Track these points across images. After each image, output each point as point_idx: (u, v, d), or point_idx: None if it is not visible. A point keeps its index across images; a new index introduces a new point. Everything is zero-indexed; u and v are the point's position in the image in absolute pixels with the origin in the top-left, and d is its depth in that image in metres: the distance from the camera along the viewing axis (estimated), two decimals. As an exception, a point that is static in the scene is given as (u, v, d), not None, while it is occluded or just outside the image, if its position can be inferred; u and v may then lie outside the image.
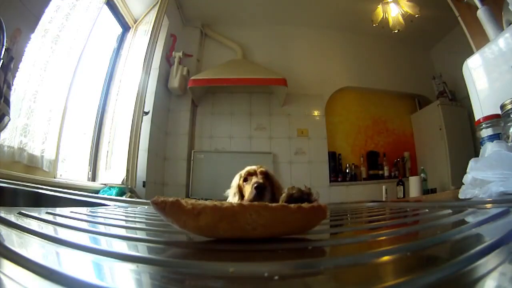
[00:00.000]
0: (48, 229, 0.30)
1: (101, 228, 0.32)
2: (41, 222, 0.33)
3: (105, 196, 1.40)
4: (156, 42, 2.14)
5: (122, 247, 0.24)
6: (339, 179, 2.57)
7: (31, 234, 0.26)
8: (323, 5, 2.49)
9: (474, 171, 0.70)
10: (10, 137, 1.30)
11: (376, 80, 2.77)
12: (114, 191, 1.75)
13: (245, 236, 0.23)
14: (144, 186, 1.99)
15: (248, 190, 0.82)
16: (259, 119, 2.62)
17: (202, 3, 2.53)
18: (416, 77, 2.80)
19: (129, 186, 1.84)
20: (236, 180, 0.91)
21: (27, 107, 1.38)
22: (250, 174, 0.86)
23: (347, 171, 2.60)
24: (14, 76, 1.14)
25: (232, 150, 2.53)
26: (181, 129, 2.49)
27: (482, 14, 1.23)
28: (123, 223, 0.37)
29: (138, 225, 0.38)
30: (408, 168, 2.63)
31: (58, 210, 0.45)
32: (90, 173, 1.96)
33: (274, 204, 0.24)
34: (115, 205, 0.75)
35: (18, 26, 1.16)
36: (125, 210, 0.61)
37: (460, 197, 0.72)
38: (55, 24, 1.50)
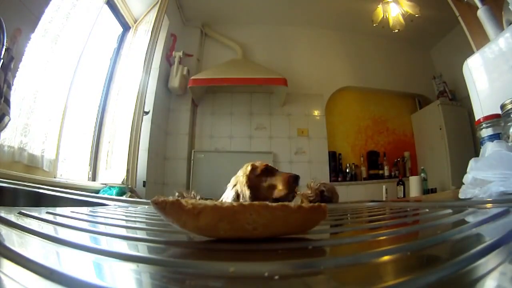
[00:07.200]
0: (49, 229, 0.30)
1: (102, 228, 0.32)
2: (42, 222, 0.33)
3: (105, 196, 1.41)
4: (156, 42, 2.14)
5: (122, 246, 0.24)
6: (339, 179, 2.57)
7: (32, 234, 0.26)
8: (323, 5, 2.49)
9: (474, 171, 0.70)
10: (10, 137, 1.30)
11: (376, 80, 2.77)
12: (114, 191, 1.75)
13: (245, 236, 0.23)
14: (144, 186, 1.99)
15: (277, 183, 0.78)
16: (259, 118, 2.62)
17: (202, 2, 2.53)
18: (416, 77, 2.80)
19: (129, 186, 1.84)
20: (240, 178, 0.83)
21: (27, 107, 1.38)
22: (259, 169, 0.82)
23: (347, 170, 2.61)
24: (14, 76, 1.14)
25: (232, 150, 2.53)
26: (181, 129, 2.49)
27: (482, 14, 1.23)
28: (123, 223, 0.37)
29: (138, 225, 0.38)
30: (408, 168, 2.63)
31: (59, 210, 0.45)
32: (90, 172, 1.96)
33: (274, 204, 0.24)
34: (115, 205, 0.74)
35: (18, 26, 1.16)
36: (126, 210, 0.61)
37: (460, 197, 0.72)
38: (55, 24, 1.49)
